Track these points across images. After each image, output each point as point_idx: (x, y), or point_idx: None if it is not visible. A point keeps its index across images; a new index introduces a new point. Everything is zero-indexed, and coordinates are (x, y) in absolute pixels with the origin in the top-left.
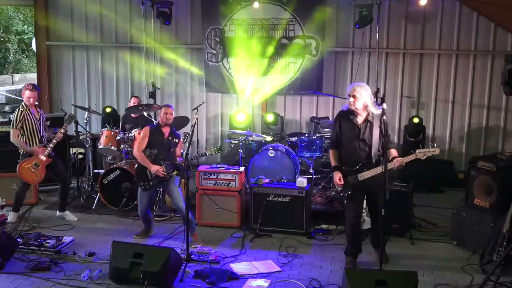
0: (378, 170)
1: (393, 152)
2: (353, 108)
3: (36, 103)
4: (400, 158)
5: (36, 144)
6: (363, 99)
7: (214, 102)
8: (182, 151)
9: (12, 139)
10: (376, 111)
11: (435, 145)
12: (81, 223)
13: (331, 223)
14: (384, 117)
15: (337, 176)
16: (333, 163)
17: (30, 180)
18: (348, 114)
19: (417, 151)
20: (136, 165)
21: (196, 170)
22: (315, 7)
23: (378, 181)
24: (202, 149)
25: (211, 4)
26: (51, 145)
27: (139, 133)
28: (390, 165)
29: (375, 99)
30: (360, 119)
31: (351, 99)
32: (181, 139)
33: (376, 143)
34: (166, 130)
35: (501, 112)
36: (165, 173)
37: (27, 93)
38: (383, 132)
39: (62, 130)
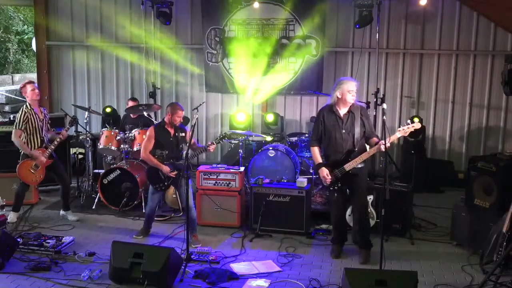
0: (364, 156)
1: (375, 139)
2: (353, 101)
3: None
4: (383, 141)
5: (37, 146)
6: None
7: (214, 102)
8: (194, 139)
9: (13, 139)
10: (359, 103)
11: (416, 120)
12: (81, 223)
13: (331, 223)
14: (364, 110)
15: (324, 172)
16: (317, 160)
17: (29, 181)
18: (330, 108)
19: (398, 129)
20: (146, 167)
21: (196, 170)
22: (315, 7)
23: (360, 176)
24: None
25: (211, 4)
26: (52, 147)
27: (139, 133)
28: (375, 149)
29: (375, 99)
30: (342, 111)
31: (354, 94)
32: (188, 131)
33: (358, 132)
34: (171, 128)
35: (501, 112)
36: (176, 174)
37: (31, 88)
38: (365, 124)
39: (64, 133)
